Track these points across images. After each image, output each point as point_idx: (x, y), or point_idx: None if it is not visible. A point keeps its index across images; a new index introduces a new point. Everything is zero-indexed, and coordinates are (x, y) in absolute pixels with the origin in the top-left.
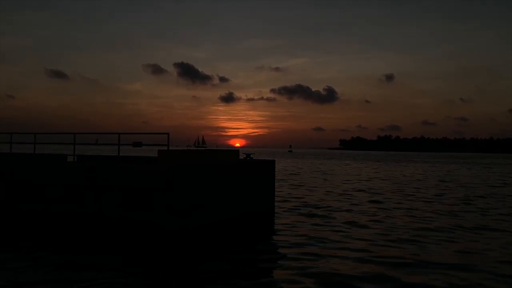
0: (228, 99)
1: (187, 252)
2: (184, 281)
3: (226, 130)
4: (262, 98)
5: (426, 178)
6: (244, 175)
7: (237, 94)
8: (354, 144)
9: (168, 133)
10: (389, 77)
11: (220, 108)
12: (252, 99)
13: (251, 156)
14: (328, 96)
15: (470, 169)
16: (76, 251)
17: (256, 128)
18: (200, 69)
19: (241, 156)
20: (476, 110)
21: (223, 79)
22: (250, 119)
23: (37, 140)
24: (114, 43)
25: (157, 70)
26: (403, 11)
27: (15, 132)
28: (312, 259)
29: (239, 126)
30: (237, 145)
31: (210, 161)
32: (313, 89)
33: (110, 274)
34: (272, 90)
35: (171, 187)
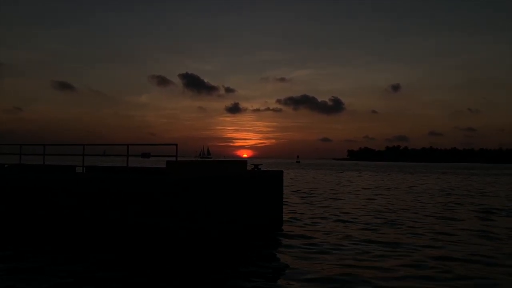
0: (234, 109)
1: (194, 258)
2: (185, 282)
3: (234, 141)
4: (268, 109)
5: None
6: (252, 185)
7: (243, 105)
8: (362, 154)
9: (176, 144)
10: (396, 88)
11: (227, 119)
12: (258, 110)
13: (259, 166)
14: (335, 107)
15: None
16: (89, 254)
17: (263, 138)
18: (206, 80)
19: (249, 167)
20: (484, 120)
21: (229, 90)
22: (257, 129)
23: (46, 151)
24: (121, 56)
25: (162, 81)
26: (409, 22)
27: (24, 143)
28: (319, 267)
29: (246, 137)
30: (245, 155)
31: (219, 172)
32: (319, 100)
33: (122, 273)
34: (278, 101)
35: (181, 196)
